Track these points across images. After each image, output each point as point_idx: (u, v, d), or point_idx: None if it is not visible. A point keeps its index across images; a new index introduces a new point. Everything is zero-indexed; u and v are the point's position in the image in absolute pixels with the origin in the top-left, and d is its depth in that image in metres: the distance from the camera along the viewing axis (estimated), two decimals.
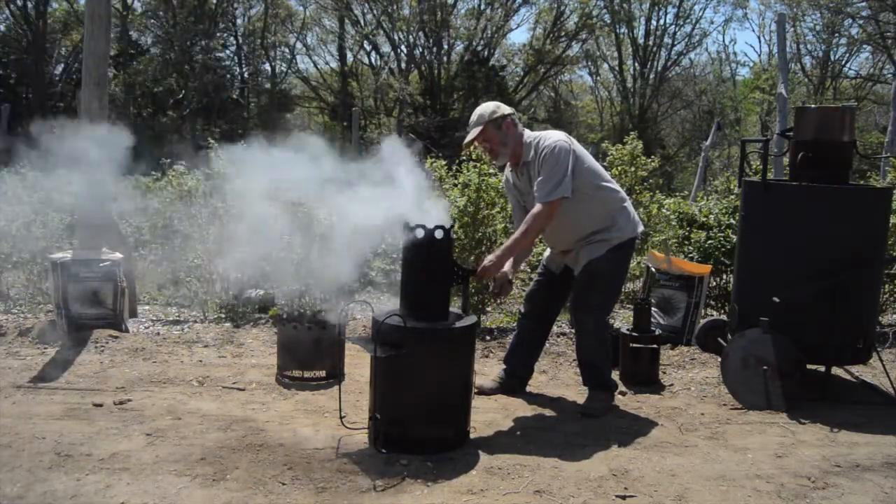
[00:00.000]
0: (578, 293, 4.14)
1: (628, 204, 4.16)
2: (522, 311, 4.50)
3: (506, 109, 4.00)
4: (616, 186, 4.16)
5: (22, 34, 27.17)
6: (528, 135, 4.03)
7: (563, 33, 30.82)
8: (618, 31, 31.01)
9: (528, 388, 4.47)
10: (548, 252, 4.41)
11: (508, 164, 4.17)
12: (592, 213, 4.01)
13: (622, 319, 6.21)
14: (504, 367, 4.45)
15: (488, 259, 3.91)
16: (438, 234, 3.43)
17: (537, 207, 3.85)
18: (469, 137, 4.01)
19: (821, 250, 4.22)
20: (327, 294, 5.85)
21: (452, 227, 3.56)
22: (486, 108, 3.99)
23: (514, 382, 4.40)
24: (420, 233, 3.43)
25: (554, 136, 3.95)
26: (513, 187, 4.24)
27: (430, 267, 3.50)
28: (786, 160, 5.62)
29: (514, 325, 5.86)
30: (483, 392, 4.27)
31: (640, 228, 4.23)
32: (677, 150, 30.73)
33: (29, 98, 26.83)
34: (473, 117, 4.00)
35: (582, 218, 4.01)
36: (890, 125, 9.46)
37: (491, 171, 6.08)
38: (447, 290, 3.63)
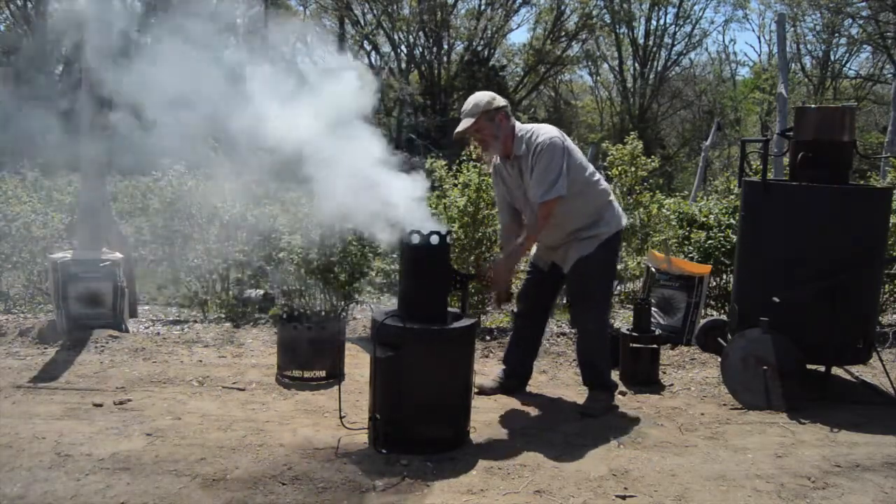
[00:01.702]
0: (575, 294, 4.16)
1: (613, 198, 4.18)
2: (515, 310, 4.50)
3: (500, 101, 3.94)
4: (602, 180, 4.15)
5: (22, 34, 27.15)
6: (520, 128, 3.98)
7: (563, 33, 30.80)
8: (618, 31, 30.99)
9: (528, 388, 4.47)
10: (534, 249, 4.35)
11: (498, 155, 4.11)
12: (581, 210, 3.99)
13: (622, 319, 6.21)
14: (503, 367, 4.46)
15: (497, 263, 3.99)
16: (434, 239, 3.43)
17: (536, 204, 3.85)
18: (461, 127, 3.92)
19: (821, 250, 4.22)
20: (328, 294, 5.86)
21: (449, 233, 3.55)
22: (482, 98, 3.92)
23: (513, 382, 4.40)
24: (416, 239, 3.42)
25: (546, 132, 3.90)
26: (500, 180, 4.19)
27: (428, 273, 3.49)
28: (786, 160, 5.62)
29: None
30: (483, 392, 4.27)
31: (625, 221, 4.26)
32: (677, 150, 30.71)
33: None
34: (468, 106, 3.93)
35: (572, 214, 3.98)
36: (890, 125, 9.46)
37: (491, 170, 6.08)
38: (445, 295, 3.62)
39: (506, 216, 4.23)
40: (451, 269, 3.66)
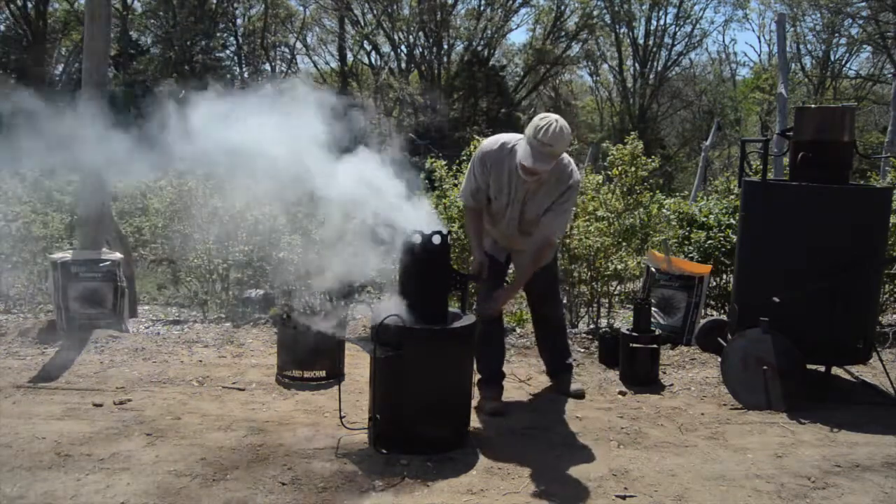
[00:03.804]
0: (547, 293, 4.35)
1: None
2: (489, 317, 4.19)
3: None
4: None
5: (22, 34, 27.17)
6: None
7: (563, 33, 30.82)
8: (618, 31, 31.01)
9: (527, 389, 4.47)
10: (489, 244, 4.17)
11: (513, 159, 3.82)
12: None
13: (622, 319, 6.21)
14: (494, 385, 4.21)
15: (501, 296, 4.02)
16: (436, 239, 3.43)
17: (550, 240, 3.87)
18: (548, 166, 3.64)
19: (821, 250, 4.22)
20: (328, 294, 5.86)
21: (450, 232, 3.55)
22: (568, 137, 3.67)
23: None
24: (417, 238, 3.42)
25: (575, 169, 3.87)
26: (497, 174, 3.87)
27: (428, 273, 3.49)
28: (786, 160, 5.62)
29: (514, 325, 5.85)
30: (498, 414, 4.01)
31: None
32: (677, 150, 30.72)
33: None
34: (562, 143, 3.62)
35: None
36: (890, 125, 9.44)
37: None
38: (445, 294, 3.62)
39: (478, 197, 3.98)
40: (451, 269, 3.66)
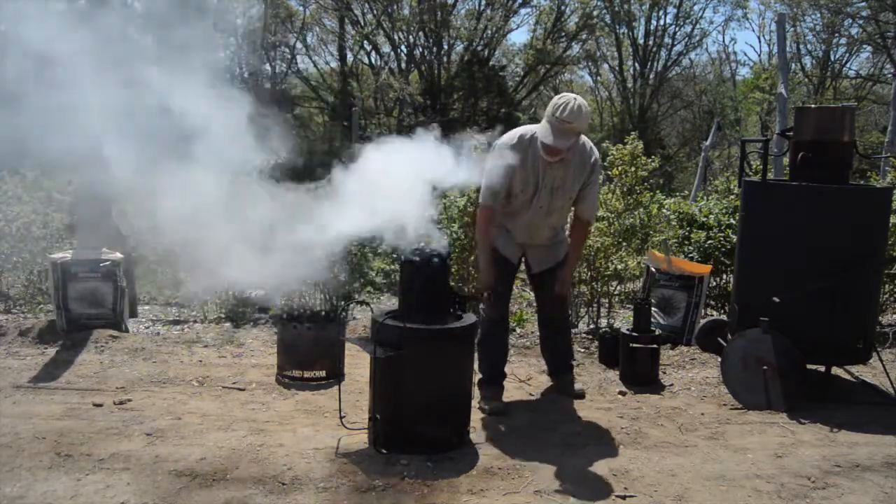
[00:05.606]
0: (558, 298, 4.28)
1: None
2: (494, 317, 4.18)
3: None
4: None
5: None
6: None
7: (563, 34, 30.80)
8: (618, 31, 30.99)
9: (528, 389, 4.47)
10: (503, 243, 4.14)
11: (537, 148, 3.81)
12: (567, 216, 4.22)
13: (622, 319, 6.21)
14: (494, 384, 4.22)
15: (566, 277, 4.18)
16: (435, 262, 3.43)
17: (592, 221, 4.23)
18: (568, 143, 3.68)
19: (821, 250, 4.22)
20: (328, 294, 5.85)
21: (450, 254, 3.54)
22: (587, 114, 3.67)
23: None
24: (417, 260, 3.42)
25: (593, 146, 4.00)
26: (521, 164, 3.85)
27: (427, 293, 3.49)
28: (786, 160, 5.62)
29: (514, 325, 5.85)
30: (499, 413, 4.03)
31: None
32: (677, 150, 30.70)
33: None
34: (579, 117, 3.62)
35: (565, 219, 4.21)
36: (890, 125, 9.44)
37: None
38: (444, 311, 3.59)
39: (500, 196, 3.95)
40: (450, 291, 3.64)
